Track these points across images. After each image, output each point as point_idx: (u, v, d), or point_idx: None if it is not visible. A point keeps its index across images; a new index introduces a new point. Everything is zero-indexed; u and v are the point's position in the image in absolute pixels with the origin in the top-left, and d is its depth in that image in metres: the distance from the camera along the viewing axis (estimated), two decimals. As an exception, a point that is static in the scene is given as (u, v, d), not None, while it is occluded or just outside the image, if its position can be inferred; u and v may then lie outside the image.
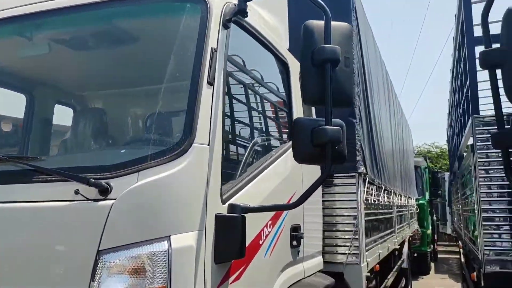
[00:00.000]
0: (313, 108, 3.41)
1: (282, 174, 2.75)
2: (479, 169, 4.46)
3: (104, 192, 1.89)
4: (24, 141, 2.95)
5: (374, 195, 4.59)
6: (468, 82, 5.90)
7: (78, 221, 1.92)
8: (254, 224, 2.39)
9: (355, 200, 3.80)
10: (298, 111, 3.08)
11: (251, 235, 2.32)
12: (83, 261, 1.85)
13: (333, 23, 2.12)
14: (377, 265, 4.64)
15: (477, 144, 4.47)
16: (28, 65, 2.79)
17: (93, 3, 2.38)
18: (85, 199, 1.90)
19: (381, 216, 5.13)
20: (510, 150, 1.81)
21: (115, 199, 1.88)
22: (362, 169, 3.91)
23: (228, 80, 2.36)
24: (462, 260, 8.57)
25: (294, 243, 2.99)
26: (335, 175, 3.80)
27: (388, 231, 5.69)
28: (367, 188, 4.19)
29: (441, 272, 13.19)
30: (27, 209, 2.01)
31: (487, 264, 4.32)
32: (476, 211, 4.74)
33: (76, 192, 1.90)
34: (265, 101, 3.04)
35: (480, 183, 4.44)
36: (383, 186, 5.12)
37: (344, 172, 3.82)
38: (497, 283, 4.25)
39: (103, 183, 1.89)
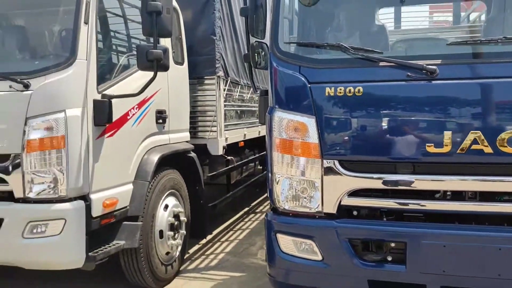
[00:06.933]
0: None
1: (146, 77, 3.67)
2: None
3: (26, 86, 3.35)
4: None
5: (237, 92, 6.01)
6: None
7: (14, 102, 3.37)
8: (123, 106, 3.87)
9: (215, 94, 5.25)
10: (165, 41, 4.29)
11: (121, 112, 3.85)
12: (18, 122, 3.29)
13: None
14: (242, 142, 6.30)
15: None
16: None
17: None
18: (16, 90, 3.36)
19: (244, 108, 6.38)
20: None
21: (32, 90, 3.36)
22: (220, 73, 5.32)
23: (103, 21, 3.86)
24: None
25: (160, 121, 4.46)
26: (205, 77, 5.25)
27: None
28: (229, 86, 5.68)
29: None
30: None
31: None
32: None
33: (10, 86, 3.37)
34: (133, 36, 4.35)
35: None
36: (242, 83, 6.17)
37: (208, 75, 5.23)
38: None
39: (25, 81, 3.35)
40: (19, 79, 3.24)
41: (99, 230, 3.56)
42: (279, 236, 2.93)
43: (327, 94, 2.73)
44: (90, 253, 3.41)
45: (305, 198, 2.83)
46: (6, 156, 3.27)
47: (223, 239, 5.77)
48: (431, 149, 2.60)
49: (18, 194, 3.26)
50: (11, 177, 3.26)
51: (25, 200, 3.28)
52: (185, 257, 4.84)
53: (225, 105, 5.36)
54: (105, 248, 3.58)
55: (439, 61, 2.62)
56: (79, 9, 3.40)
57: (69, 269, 3.62)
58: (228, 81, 5.47)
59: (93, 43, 3.51)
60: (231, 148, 5.69)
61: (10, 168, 3.26)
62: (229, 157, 5.66)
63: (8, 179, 3.27)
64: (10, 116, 3.27)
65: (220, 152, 5.21)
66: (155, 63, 3.47)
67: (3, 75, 3.31)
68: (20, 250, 3.26)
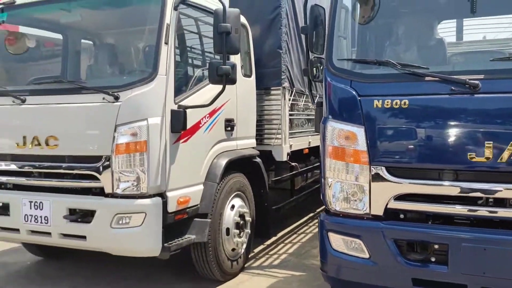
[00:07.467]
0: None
1: (217, 89, 4.18)
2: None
3: (116, 98, 3.94)
4: (65, 67, 5.01)
5: (302, 101, 6.44)
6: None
7: (106, 111, 3.96)
8: (196, 115, 4.38)
9: (280, 104, 5.63)
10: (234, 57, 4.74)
11: (194, 120, 4.37)
12: (109, 129, 3.90)
13: (228, 9, 4.02)
14: (307, 149, 6.56)
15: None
16: (66, 21, 4.75)
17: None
18: (108, 101, 3.94)
19: (310, 117, 6.64)
20: None
21: (121, 101, 3.94)
22: (285, 84, 5.66)
23: (180, 39, 4.41)
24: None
25: (228, 128, 4.97)
26: (271, 88, 5.67)
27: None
28: (294, 96, 6.06)
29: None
30: (81, 106, 4.08)
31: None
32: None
33: (104, 98, 3.97)
34: (206, 51, 4.94)
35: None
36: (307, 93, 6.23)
37: (275, 86, 5.63)
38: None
39: (116, 94, 3.93)
40: (110, 92, 3.84)
41: (173, 224, 4.06)
42: (330, 234, 3.26)
43: (375, 106, 3.03)
44: (165, 244, 3.91)
45: (354, 200, 3.14)
46: (99, 157, 3.88)
47: (286, 241, 6.13)
48: (472, 158, 2.80)
49: (107, 190, 3.86)
50: (102, 175, 3.86)
51: (113, 195, 3.86)
52: (249, 255, 5.26)
53: (290, 114, 5.71)
54: (178, 240, 4.08)
55: (481, 76, 2.82)
56: (161, 31, 3.94)
57: (147, 258, 4.19)
58: (293, 92, 5.82)
59: (171, 60, 4.03)
60: (296, 155, 6.01)
61: (102, 168, 3.87)
62: (293, 163, 5.97)
63: (100, 177, 3.87)
64: (103, 123, 3.89)
65: (285, 158, 5.56)
66: (224, 78, 3.95)
67: (98, 89, 3.93)
68: (109, 238, 3.85)
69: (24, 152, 4.15)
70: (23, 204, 4.09)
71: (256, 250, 5.60)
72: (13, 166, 4.28)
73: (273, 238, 6.11)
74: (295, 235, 6.42)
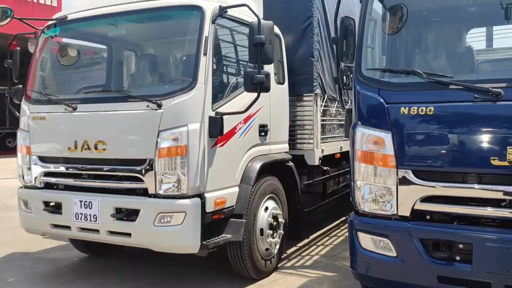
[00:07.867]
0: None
1: (251, 96, 4.43)
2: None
3: (159, 106, 4.25)
4: (111, 77, 5.41)
5: (333, 108, 6.57)
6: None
7: (150, 118, 4.28)
8: (231, 121, 4.66)
9: (312, 110, 5.91)
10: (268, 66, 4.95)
11: (230, 126, 4.66)
12: (152, 134, 4.22)
13: (262, 21, 4.26)
14: (338, 154, 6.73)
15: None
16: (113, 34, 5.26)
17: (142, 9, 4.69)
18: (151, 109, 4.27)
19: (342, 122, 6.81)
20: None
21: (164, 109, 4.25)
22: (317, 91, 5.94)
23: (217, 50, 4.68)
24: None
25: (262, 134, 5.25)
26: (304, 94, 5.92)
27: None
28: (326, 102, 6.24)
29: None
30: (126, 113, 4.42)
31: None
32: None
33: (147, 106, 4.28)
34: (241, 60, 5.32)
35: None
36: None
37: (307, 93, 5.90)
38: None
39: (159, 102, 4.25)
40: (154, 100, 4.17)
41: (211, 224, 4.35)
42: (359, 234, 3.46)
43: (402, 113, 3.23)
44: (203, 242, 4.20)
45: (382, 202, 3.34)
46: (143, 161, 4.22)
47: (318, 243, 6.33)
48: (495, 162, 2.96)
49: (151, 190, 4.19)
50: (146, 177, 4.19)
51: (155, 196, 4.18)
52: (282, 256, 5.49)
53: (322, 120, 5.92)
54: (216, 239, 4.38)
55: (504, 84, 2.98)
56: (200, 44, 4.24)
57: (185, 255, 4.48)
58: (325, 98, 6.03)
59: (209, 70, 4.32)
60: (328, 159, 6.22)
61: (145, 170, 4.20)
62: (325, 168, 6.16)
63: (144, 178, 4.21)
64: (147, 129, 4.22)
65: (317, 162, 5.78)
66: (259, 86, 4.20)
67: (142, 97, 4.26)
68: (152, 235, 4.18)
69: (75, 155, 4.53)
70: (74, 203, 4.47)
71: (289, 251, 5.82)
72: (65, 168, 4.65)
73: (306, 240, 6.32)
74: (327, 238, 6.61)
